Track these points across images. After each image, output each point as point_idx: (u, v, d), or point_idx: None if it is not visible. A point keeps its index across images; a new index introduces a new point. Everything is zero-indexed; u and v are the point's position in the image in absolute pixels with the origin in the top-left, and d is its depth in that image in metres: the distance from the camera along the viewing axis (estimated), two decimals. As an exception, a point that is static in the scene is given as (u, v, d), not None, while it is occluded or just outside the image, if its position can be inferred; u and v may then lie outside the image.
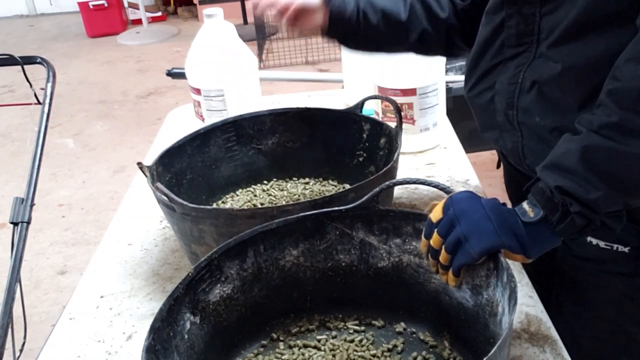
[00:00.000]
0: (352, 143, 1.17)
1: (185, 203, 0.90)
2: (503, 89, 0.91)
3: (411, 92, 1.31)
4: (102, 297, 1.04)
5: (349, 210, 0.84)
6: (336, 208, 0.85)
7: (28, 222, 1.36)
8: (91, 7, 5.42)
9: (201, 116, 1.39)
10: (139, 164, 1.00)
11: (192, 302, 0.77)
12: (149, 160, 1.07)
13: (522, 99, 0.89)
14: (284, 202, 1.15)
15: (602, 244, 0.91)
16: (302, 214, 0.84)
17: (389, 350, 0.84)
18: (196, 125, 1.29)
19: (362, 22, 1.04)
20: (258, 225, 0.83)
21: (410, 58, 1.30)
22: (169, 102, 3.91)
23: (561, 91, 0.83)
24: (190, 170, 1.13)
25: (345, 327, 0.89)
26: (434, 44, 1.08)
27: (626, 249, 0.90)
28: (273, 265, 0.85)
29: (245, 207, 1.14)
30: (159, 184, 0.95)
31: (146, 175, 0.99)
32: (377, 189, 0.83)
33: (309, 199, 0.89)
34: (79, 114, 4.09)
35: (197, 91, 1.37)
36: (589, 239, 0.92)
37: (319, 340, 0.87)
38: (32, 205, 1.38)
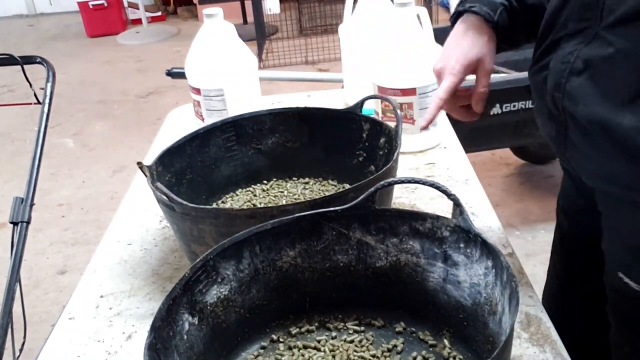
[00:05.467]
0: (352, 143, 1.17)
1: (185, 203, 0.90)
2: (556, 68, 0.84)
3: (411, 92, 1.31)
4: (102, 297, 1.04)
5: (345, 210, 0.84)
6: (332, 209, 0.84)
7: (28, 222, 1.36)
8: (91, 7, 5.42)
9: (201, 116, 1.39)
10: (139, 164, 1.00)
11: (189, 303, 0.77)
12: (149, 160, 1.07)
13: (570, 81, 0.82)
14: (284, 202, 1.15)
15: None
16: (297, 214, 0.84)
17: (389, 350, 0.84)
18: (196, 125, 1.30)
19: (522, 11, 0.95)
20: (258, 226, 0.83)
21: (410, 58, 1.30)
22: (169, 102, 3.92)
23: (613, 78, 0.77)
24: (190, 170, 1.13)
25: (345, 328, 0.89)
26: None
27: None
28: (270, 267, 0.85)
29: (245, 207, 1.14)
30: (159, 184, 0.95)
31: (146, 175, 0.99)
32: (373, 189, 0.83)
33: (309, 199, 0.89)
34: (79, 114, 4.09)
35: (197, 91, 1.37)
36: None
37: (319, 342, 0.86)
38: (32, 205, 1.38)
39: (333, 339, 0.87)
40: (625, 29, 0.75)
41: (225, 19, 1.36)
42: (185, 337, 0.75)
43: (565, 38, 0.85)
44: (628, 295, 0.90)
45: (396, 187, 1.14)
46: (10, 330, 1.26)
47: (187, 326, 0.76)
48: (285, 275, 0.86)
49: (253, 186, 1.22)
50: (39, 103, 1.51)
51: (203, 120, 1.38)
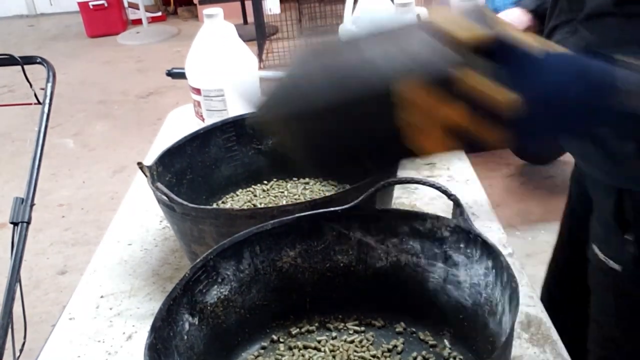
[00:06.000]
0: (352, 143, 1.17)
1: (185, 203, 0.90)
2: None
3: (411, 92, 1.31)
4: (102, 297, 1.04)
5: (345, 210, 0.84)
6: (332, 209, 0.84)
7: (28, 222, 1.36)
8: (91, 7, 5.42)
9: (201, 116, 1.39)
10: (139, 164, 1.00)
11: (189, 303, 0.77)
12: (149, 160, 1.07)
13: None
14: (284, 202, 1.15)
15: None
16: (297, 214, 0.84)
17: (389, 350, 0.84)
18: (196, 125, 1.29)
19: None
20: (258, 225, 0.83)
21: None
22: (169, 102, 3.91)
23: None
24: (190, 170, 1.13)
25: (345, 328, 0.89)
26: None
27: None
28: (270, 267, 0.85)
29: (245, 207, 1.14)
30: (159, 184, 0.95)
31: (146, 175, 0.99)
32: (373, 189, 0.83)
33: (309, 199, 0.89)
34: (79, 114, 4.09)
35: (197, 91, 1.37)
36: None
37: (319, 342, 0.86)
38: (32, 205, 1.38)
39: (333, 339, 0.87)
40: (591, 23, 0.80)
41: (225, 19, 1.36)
42: (185, 337, 0.75)
43: (560, 25, 0.89)
44: (599, 267, 0.96)
45: (396, 187, 1.14)
46: (10, 330, 1.26)
47: (187, 326, 0.76)
48: (285, 275, 0.86)
49: (253, 186, 1.21)
50: (39, 103, 1.51)
51: (203, 120, 1.38)
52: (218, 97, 1.35)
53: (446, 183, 1.24)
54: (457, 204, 0.79)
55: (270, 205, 1.14)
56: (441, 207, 1.15)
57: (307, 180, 1.22)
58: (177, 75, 1.90)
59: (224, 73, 1.34)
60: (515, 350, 0.85)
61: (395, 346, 0.85)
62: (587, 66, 0.54)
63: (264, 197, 1.18)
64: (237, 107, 1.33)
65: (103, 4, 5.41)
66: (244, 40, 1.41)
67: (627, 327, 0.99)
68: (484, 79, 0.50)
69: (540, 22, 1.04)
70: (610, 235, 0.93)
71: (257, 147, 1.20)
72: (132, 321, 0.98)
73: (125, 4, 5.72)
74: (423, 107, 0.50)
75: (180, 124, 1.60)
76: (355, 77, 0.52)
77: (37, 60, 1.57)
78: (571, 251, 1.22)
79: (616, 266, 0.92)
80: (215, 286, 0.80)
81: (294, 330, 0.88)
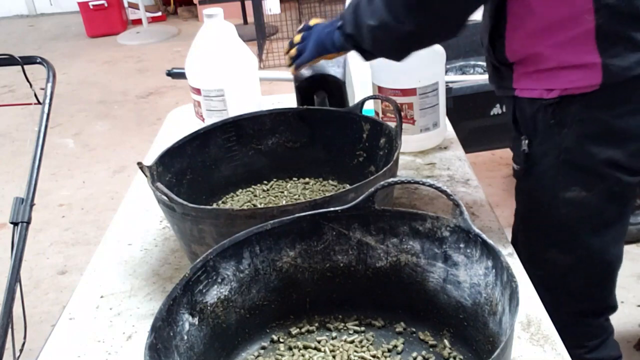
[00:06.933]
0: (352, 143, 1.17)
1: (185, 203, 0.90)
2: None
3: (411, 92, 1.31)
4: (102, 297, 1.04)
5: (345, 210, 0.84)
6: (332, 209, 0.84)
7: (28, 222, 1.36)
8: (91, 7, 5.42)
9: (201, 116, 1.39)
10: (139, 164, 1.00)
11: (189, 303, 0.77)
12: (149, 160, 1.07)
13: None
14: (284, 202, 1.15)
15: None
16: (297, 215, 0.84)
17: (389, 350, 0.84)
18: (196, 125, 1.29)
19: None
20: (258, 226, 0.83)
21: (409, 58, 1.30)
22: (169, 102, 3.91)
23: None
24: (190, 170, 1.13)
25: (345, 328, 0.89)
26: None
27: None
28: (270, 267, 0.85)
29: (245, 207, 1.14)
30: (159, 184, 0.95)
31: (146, 175, 0.99)
32: (372, 189, 0.83)
33: (309, 199, 0.89)
34: (79, 114, 4.09)
35: (197, 91, 1.37)
36: None
37: (319, 342, 0.86)
38: (32, 205, 1.38)
39: (333, 339, 0.87)
40: None
41: (225, 19, 1.36)
42: (185, 337, 0.75)
43: None
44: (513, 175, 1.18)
45: (396, 187, 1.14)
46: (10, 330, 1.26)
47: (187, 326, 0.76)
48: (285, 275, 0.86)
49: (253, 186, 1.22)
50: (39, 103, 1.51)
51: (203, 120, 1.38)
52: (218, 97, 1.35)
53: (446, 183, 1.25)
54: (457, 204, 0.79)
55: (270, 205, 1.14)
56: (441, 207, 1.15)
57: (307, 180, 1.22)
58: (177, 75, 1.90)
59: (224, 73, 1.34)
60: (515, 350, 0.85)
61: (395, 346, 0.85)
62: (330, 24, 1.15)
63: (264, 197, 1.18)
64: (237, 107, 1.33)
65: (103, 4, 5.41)
66: (244, 40, 1.41)
67: (523, 227, 1.20)
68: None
69: None
70: (514, 140, 1.12)
71: (257, 147, 1.20)
72: (132, 321, 0.98)
73: (125, 4, 5.72)
74: None
75: (180, 124, 1.60)
76: None
77: (37, 60, 1.57)
78: None
79: (516, 166, 1.11)
80: (215, 286, 0.80)
81: (294, 330, 0.88)
